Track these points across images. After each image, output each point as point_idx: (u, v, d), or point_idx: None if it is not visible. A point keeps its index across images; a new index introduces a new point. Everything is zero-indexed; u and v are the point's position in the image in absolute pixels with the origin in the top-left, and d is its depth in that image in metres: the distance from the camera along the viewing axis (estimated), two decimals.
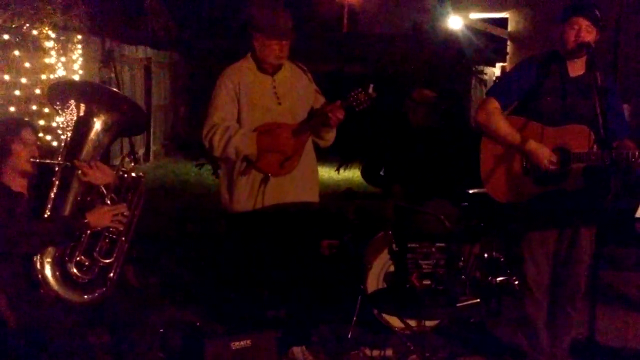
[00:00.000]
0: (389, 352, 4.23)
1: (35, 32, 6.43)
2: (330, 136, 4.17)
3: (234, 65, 4.10)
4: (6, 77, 6.15)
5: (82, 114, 3.50)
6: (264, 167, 3.97)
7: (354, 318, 4.50)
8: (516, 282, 5.01)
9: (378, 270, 4.53)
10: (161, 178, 10.85)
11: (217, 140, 3.94)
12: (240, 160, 3.98)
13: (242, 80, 4.02)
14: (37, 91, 6.39)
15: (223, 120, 3.97)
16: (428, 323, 4.13)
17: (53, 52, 6.72)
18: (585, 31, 3.74)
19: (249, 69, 4.07)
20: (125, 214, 3.47)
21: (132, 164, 3.69)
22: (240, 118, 4.01)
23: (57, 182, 3.42)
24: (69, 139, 3.52)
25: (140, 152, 11.11)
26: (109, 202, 3.47)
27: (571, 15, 3.77)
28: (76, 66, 7.76)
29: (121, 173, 3.56)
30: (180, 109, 13.95)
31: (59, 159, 3.46)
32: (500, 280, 5.03)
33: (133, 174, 3.61)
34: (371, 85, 3.85)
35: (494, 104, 3.89)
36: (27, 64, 6.32)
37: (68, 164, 3.42)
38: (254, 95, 4.02)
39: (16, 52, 6.19)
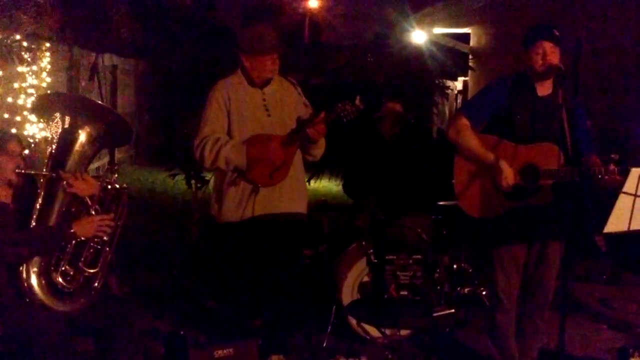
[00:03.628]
0: None
1: (8, 41, 6.41)
2: (318, 152, 4.27)
3: (224, 80, 4.19)
4: None
5: (67, 126, 3.55)
6: (254, 178, 4.05)
7: (329, 327, 4.60)
8: (484, 293, 5.17)
9: (353, 281, 4.63)
10: (127, 187, 10.78)
11: (207, 151, 4.02)
12: (231, 170, 4.06)
13: (232, 94, 4.12)
14: (9, 99, 6.38)
15: (214, 132, 4.06)
16: (402, 332, 4.24)
17: (25, 61, 6.71)
18: (551, 53, 3.88)
19: (239, 83, 4.17)
20: (110, 224, 3.54)
21: (116, 175, 3.73)
22: (230, 130, 4.10)
23: (42, 193, 3.48)
24: (54, 150, 3.56)
25: (105, 160, 11.06)
26: (93, 212, 3.52)
27: (534, 41, 3.91)
28: (44, 74, 7.73)
29: (105, 184, 3.63)
30: (144, 117, 13.91)
31: (45, 170, 3.52)
32: (468, 291, 5.17)
33: (117, 186, 3.68)
34: (358, 97, 3.94)
35: (464, 121, 4.01)
36: None
37: (53, 175, 3.47)
38: (244, 107, 4.12)
39: None
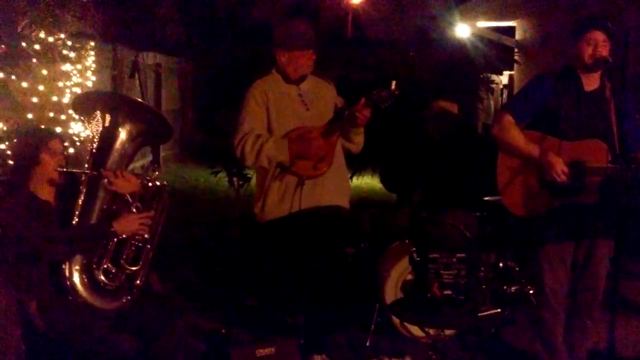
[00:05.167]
0: None
1: (51, 40, 6.48)
2: (360, 139, 4.25)
3: (260, 79, 4.21)
4: (24, 84, 6.21)
5: (107, 124, 3.56)
6: (298, 170, 4.03)
7: (372, 326, 4.55)
8: (531, 291, 5.05)
9: (395, 279, 4.58)
10: (171, 184, 10.86)
11: (248, 149, 4.01)
12: (274, 166, 4.05)
13: (269, 91, 4.12)
14: (54, 98, 6.44)
15: (253, 129, 4.05)
16: (447, 332, 4.17)
17: (70, 60, 6.77)
18: (602, 45, 3.78)
19: (275, 81, 4.18)
20: (150, 221, 3.53)
21: (156, 173, 3.73)
22: (270, 126, 4.10)
23: (84, 191, 3.49)
24: (95, 148, 3.57)
25: (150, 158, 11.16)
26: (134, 210, 3.53)
27: (587, 30, 3.80)
28: (89, 73, 7.80)
29: (145, 182, 3.63)
30: (188, 114, 14.01)
31: (86, 168, 3.53)
32: (514, 289, 5.05)
33: (157, 183, 3.68)
34: (394, 82, 3.89)
35: (509, 118, 3.94)
36: (44, 71, 6.37)
37: (95, 173, 3.48)
38: (283, 103, 4.12)
39: (34, 60, 6.26)
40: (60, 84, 6.59)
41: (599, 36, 3.78)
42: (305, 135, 4.03)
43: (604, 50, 3.78)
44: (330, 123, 4.10)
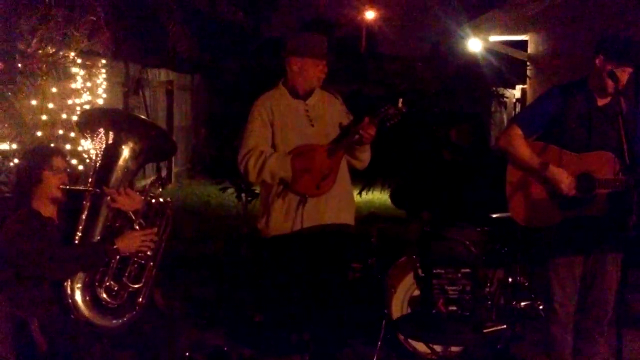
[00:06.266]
0: None
1: (61, 57, 6.50)
2: (366, 156, 4.21)
3: (266, 93, 4.19)
4: (33, 102, 6.22)
5: (111, 141, 3.55)
6: (301, 189, 4.00)
7: (379, 342, 4.50)
8: (540, 307, 5.00)
9: (402, 295, 4.54)
10: (183, 200, 10.94)
11: (251, 164, 4.00)
12: (277, 183, 4.03)
13: (275, 106, 4.10)
14: (64, 116, 6.44)
15: (257, 146, 4.03)
16: (454, 348, 4.13)
17: (79, 77, 6.79)
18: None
19: (282, 95, 4.15)
20: (153, 239, 3.52)
21: (160, 190, 3.72)
22: (274, 142, 4.08)
23: (87, 209, 3.48)
24: (98, 166, 3.56)
25: (162, 174, 11.18)
26: (137, 227, 3.52)
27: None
28: (100, 90, 7.82)
29: (149, 199, 3.62)
30: (201, 130, 14.05)
31: (89, 185, 3.53)
32: (524, 305, 5.01)
33: (161, 200, 3.67)
34: (400, 100, 3.88)
35: (517, 131, 3.92)
36: (53, 89, 6.39)
37: (97, 190, 3.47)
38: (288, 119, 4.09)
39: (43, 77, 6.27)
40: (70, 102, 6.60)
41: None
42: (309, 151, 4.01)
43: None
44: (335, 141, 4.08)
